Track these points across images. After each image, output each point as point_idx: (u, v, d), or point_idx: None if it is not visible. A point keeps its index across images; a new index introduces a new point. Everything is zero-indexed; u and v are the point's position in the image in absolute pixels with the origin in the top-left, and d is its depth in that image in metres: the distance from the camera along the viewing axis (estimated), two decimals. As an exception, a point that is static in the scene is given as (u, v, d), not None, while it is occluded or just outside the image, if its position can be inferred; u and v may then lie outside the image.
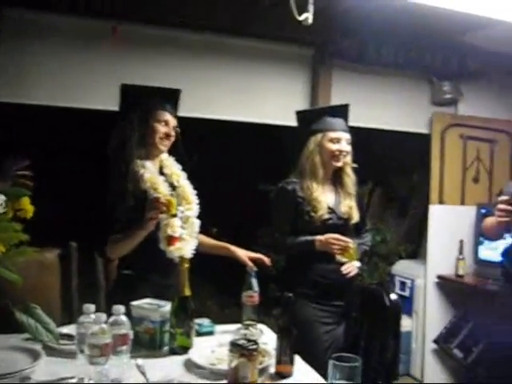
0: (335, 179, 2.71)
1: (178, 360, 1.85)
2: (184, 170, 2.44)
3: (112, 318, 1.66)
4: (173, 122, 2.37)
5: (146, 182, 2.25)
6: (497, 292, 2.97)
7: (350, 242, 2.50)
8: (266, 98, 3.90)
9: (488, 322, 3.57)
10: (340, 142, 2.61)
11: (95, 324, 1.56)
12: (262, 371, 1.72)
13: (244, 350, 1.54)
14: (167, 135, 2.33)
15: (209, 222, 2.53)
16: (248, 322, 2.04)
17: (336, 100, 3.77)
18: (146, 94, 2.36)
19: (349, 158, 2.66)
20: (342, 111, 2.71)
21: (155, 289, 2.19)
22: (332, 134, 2.61)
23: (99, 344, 1.53)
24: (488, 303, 3.28)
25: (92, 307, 1.68)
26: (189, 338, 1.93)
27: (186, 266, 2.01)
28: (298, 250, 2.58)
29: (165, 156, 2.42)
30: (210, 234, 2.62)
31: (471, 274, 4.24)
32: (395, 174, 5.40)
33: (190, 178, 2.46)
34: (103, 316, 1.58)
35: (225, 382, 1.61)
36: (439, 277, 4.26)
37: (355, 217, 2.67)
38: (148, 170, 2.27)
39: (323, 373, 1.62)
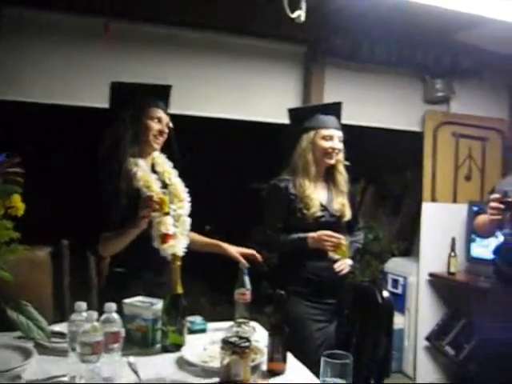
0: (327, 177, 2.71)
1: (170, 358, 1.84)
2: (175, 167, 2.44)
3: (104, 316, 1.65)
4: (165, 118, 2.36)
5: (138, 180, 2.24)
6: (488, 289, 2.99)
7: (343, 239, 2.51)
8: (259, 96, 3.90)
9: (480, 320, 3.59)
10: (332, 139, 2.62)
11: (87, 322, 1.56)
12: (254, 369, 1.72)
13: (236, 347, 1.54)
14: (161, 132, 2.33)
15: (202, 219, 2.53)
16: (240, 320, 2.05)
17: (329, 98, 3.77)
18: (137, 91, 2.35)
19: (341, 156, 2.67)
20: (334, 109, 2.72)
21: (147, 287, 2.19)
22: (324, 132, 2.61)
23: (91, 342, 1.53)
24: (480, 300, 3.30)
25: (84, 305, 1.68)
26: (181, 336, 1.92)
27: (178, 263, 2.01)
28: (290, 247, 2.58)
29: (156, 154, 2.41)
30: (203, 232, 2.62)
31: (463, 272, 4.26)
32: (388, 172, 5.41)
33: (182, 175, 2.45)
34: (95, 314, 1.57)
35: (217, 379, 1.61)
36: (431, 274, 4.28)
37: (348, 214, 2.68)
38: (141, 168, 2.27)
39: (315, 370, 1.62)
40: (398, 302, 4.35)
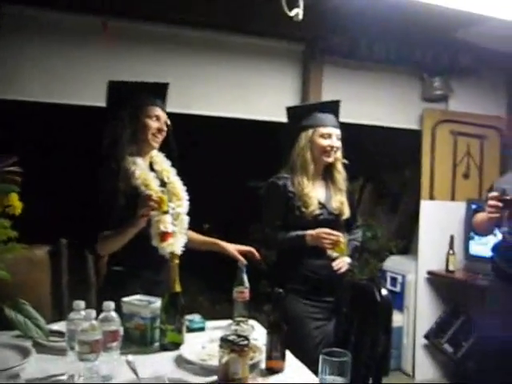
0: (326, 175, 2.71)
1: (168, 356, 1.84)
2: (174, 166, 2.43)
3: (102, 315, 1.65)
4: (164, 116, 2.36)
5: (137, 178, 2.24)
6: (487, 287, 2.99)
7: (341, 237, 2.51)
8: (257, 94, 3.90)
9: (478, 317, 3.60)
10: (331, 137, 2.62)
11: (85, 321, 1.56)
12: (253, 367, 1.72)
13: (234, 345, 1.54)
14: (159, 130, 2.33)
15: (200, 218, 2.53)
16: (239, 318, 2.06)
17: (327, 96, 3.77)
18: (135, 89, 2.35)
19: (339, 154, 2.67)
20: (332, 107, 2.72)
21: (146, 285, 2.19)
22: (323, 130, 2.62)
23: (89, 341, 1.52)
24: (478, 298, 3.30)
25: (82, 304, 1.68)
26: (179, 334, 1.92)
27: (176, 262, 2.01)
28: (288, 244, 2.58)
29: (155, 152, 2.41)
30: (202, 231, 2.62)
31: (462, 270, 4.27)
32: (386, 170, 5.42)
33: (181, 174, 2.45)
34: (93, 312, 1.57)
35: (215, 377, 1.61)
36: (430, 272, 4.28)
37: (346, 212, 2.68)
38: (139, 167, 2.26)
39: (314, 368, 1.62)
40: (397, 299, 4.36)
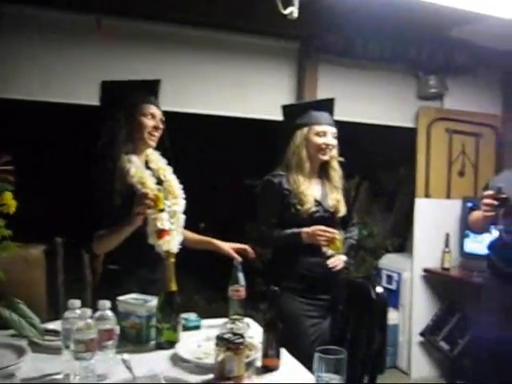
0: (322, 173, 2.71)
1: (164, 354, 1.84)
2: (169, 164, 2.43)
3: (98, 314, 1.65)
4: (159, 114, 2.36)
5: (132, 176, 2.23)
6: (482, 284, 3.00)
7: (337, 234, 2.51)
8: (253, 93, 3.90)
9: (474, 315, 3.60)
10: (326, 135, 2.62)
11: (80, 319, 1.56)
12: (249, 365, 1.72)
13: (230, 343, 1.54)
14: (155, 128, 2.32)
15: (196, 217, 2.53)
16: (234, 316, 2.05)
17: (322, 94, 3.77)
18: (127, 88, 2.34)
19: (335, 152, 2.67)
20: (327, 105, 2.72)
21: (142, 284, 2.18)
22: (318, 128, 2.62)
23: (85, 339, 1.52)
24: (474, 296, 3.31)
25: (77, 302, 1.67)
26: (175, 333, 1.92)
27: (172, 260, 2.01)
28: (284, 242, 2.58)
29: (150, 151, 2.40)
30: (198, 230, 2.62)
31: (457, 267, 4.28)
32: (382, 168, 5.42)
33: (177, 172, 2.45)
34: (88, 311, 1.57)
35: (211, 375, 1.61)
36: (425, 270, 4.29)
37: (342, 210, 2.68)
38: (134, 165, 2.26)
39: (309, 366, 1.62)
40: (393, 297, 4.37)
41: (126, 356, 1.70)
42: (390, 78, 4.26)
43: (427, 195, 4.33)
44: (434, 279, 4.32)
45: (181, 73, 3.66)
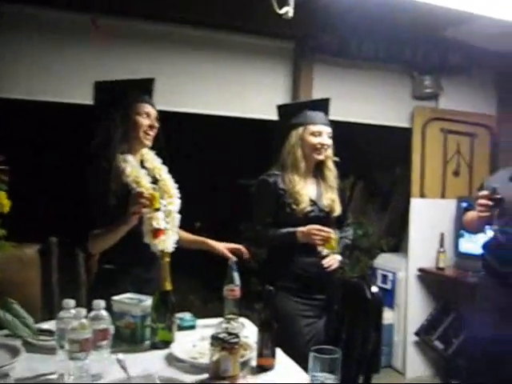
0: (317, 172, 2.72)
1: (159, 354, 1.84)
2: (164, 163, 2.43)
3: (92, 313, 1.65)
4: (154, 113, 2.35)
5: (127, 176, 2.23)
6: (477, 284, 3.01)
7: (332, 233, 2.52)
8: (248, 93, 3.90)
9: (468, 314, 3.61)
10: (321, 135, 2.62)
11: (75, 319, 1.55)
12: (244, 364, 1.72)
13: (225, 343, 1.54)
14: (151, 127, 2.32)
15: (191, 216, 2.53)
16: (229, 316, 2.06)
17: (318, 94, 3.78)
18: (122, 87, 2.34)
19: (330, 152, 2.67)
20: (322, 105, 2.73)
21: (137, 283, 2.18)
22: (313, 128, 2.62)
23: (79, 339, 1.52)
24: (468, 295, 3.32)
25: (72, 302, 1.67)
26: (170, 333, 1.92)
27: (167, 260, 2.01)
28: (279, 241, 2.58)
29: (145, 150, 2.40)
30: (193, 229, 2.62)
31: (452, 267, 4.29)
32: (377, 167, 5.43)
33: (172, 172, 2.45)
34: (83, 311, 1.57)
35: (206, 375, 1.61)
36: (420, 269, 4.30)
37: (337, 210, 2.68)
38: (129, 164, 2.26)
39: (305, 365, 1.62)
40: (388, 297, 4.38)
41: (120, 356, 1.70)
42: (385, 78, 4.27)
43: (422, 195, 4.34)
44: (428, 279, 4.33)
45: (176, 72, 3.66)
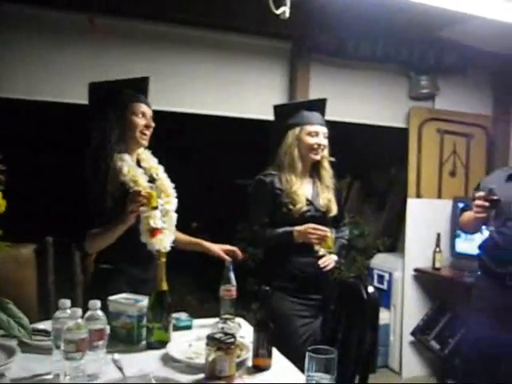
0: (313, 172, 2.72)
1: (155, 354, 1.84)
2: (160, 163, 2.43)
3: (88, 313, 1.65)
4: (149, 112, 2.35)
5: (125, 175, 2.22)
6: (473, 284, 3.01)
7: (328, 231, 2.52)
8: (245, 93, 3.89)
9: (464, 314, 3.62)
10: (318, 135, 2.63)
11: (71, 319, 1.54)
12: (240, 365, 1.72)
13: (221, 343, 1.54)
14: (147, 127, 2.32)
15: (188, 216, 2.53)
16: (226, 316, 2.06)
17: (314, 94, 3.78)
18: (116, 88, 2.33)
19: (326, 152, 2.68)
20: (319, 105, 2.73)
21: (133, 283, 2.18)
22: (310, 128, 2.62)
23: (75, 339, 1.51)
24: (464, 295, 3.33)
25: (68, 302, 1.66)
26: (166, 332, 1.92)
27: (163, 260, 2.00)
28: (276, 241, 2.58)
29: (141, 150, 2.40)
30: (190, 229, 2.62)
31: (448, 267, 4.29)
32: (374, 168, 5.44)
33: (169, 171, 2.44)
34: (79, 311, 1.56)
35: (202, 375, 1.61)
36: (416, 270, 4.30)
37: (333, 209, 2.69)
38: (126, 163, 2.25)
39: (300, 365, 1.62)
40: (384, 297, 4.38)
41: (116, 356, 1.71)
42: (382, 78, 4.27)
43: (418, 195, 4.34)
44: (425, 279, 4.33)
45: (174, 72, 3.65)
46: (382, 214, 5.29)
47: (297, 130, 2.64)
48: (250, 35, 3.81)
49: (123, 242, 2.17)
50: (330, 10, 3.34)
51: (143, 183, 2.23)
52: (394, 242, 5.00)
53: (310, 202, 2.62)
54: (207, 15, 3.53)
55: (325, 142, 2.65)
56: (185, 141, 5.70)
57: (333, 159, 2.73)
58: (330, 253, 2.58)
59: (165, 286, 1.95)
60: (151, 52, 3.59)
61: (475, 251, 2.97)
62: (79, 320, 1.55)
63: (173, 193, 2.39)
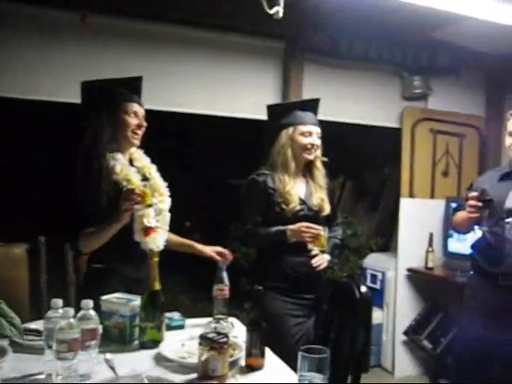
0: (306, 172, 2.72)
1: (147, 354, 1.83)
2: (153, 162, 2.42)
3: (80, 313, 1.64)
4: (141, 112, 2.35)
5: (117, 173, 2.22)
6: (465, 284, 3.02)
7: (321, 230, 2.52)
8: (238, 93, 3.89)
9: (457, 314, 3.63)
10: (311, 135, 2.63)
11: (63, 319, 1.54)
12: (233, 364, 1.72)
13: (214, 343, 1.54)
14: (139, 126, 2.32)
15: (181, 216, 2.53)
16: (218, 316, 2.06)
17: (308, 94, 3.78)
18: (109, 87, 2.33)
19: (319, 152, 2.68)
20: (312, 105, 2.73)
21: (126, 283, 2.18)
22: (303, 128, 2.63)
23: (67, 339, 1.51)
24: (457, 295, 3.34)
25: (60, 302, 1.66)
26: (159, 332, 1.92)
27: (156, 259, 2.00)
28: (270, 240, 2.58)
29: (133, 149, 2.39)
30: (183, 229, 2.61)
31: (440, 267, 4.31)
32: (367, 167, 5.45)
33: (162, 171, 2.44)
34: (71, 311, 1.56)
35: (195, 375, 1.61)
36: (409, 269, 4.32)
37: (326, 209, 2.69)
38: (119, 162, 2.25)
39: (293, 365, 1.62)
40: (377, 297, 4.39)
41: (108, 356, 1.70)
42: (375, 78, 4.28)
43: (411, 195, 4.35)
44: (417, 278, 4.34)
45: (167, 72, 3.64)
46: (375, 214, 5.31)
47: (290, 129, 2.64)
48: (244, 35, 3.81)
49: (116, 241, 2.17)
50: (323, 10, 3.35)
51: (136, 182, 2.23)
52: (386, 241, 5.01)
53: (302, 202, 2.62)
54: (200, 15, 3.53)
55: (318, 141, 2.65)
56: (178, 140, 5.70)
57: (325, 159, 2.74)
58: (323, 252, 2.59)
59: (157, 286, 1.95)
60: (145, 51, 3.58)
61: (468, 251, 2.98)
62: (71, 320, 1.54)
63: (166, 192, 2.39)
